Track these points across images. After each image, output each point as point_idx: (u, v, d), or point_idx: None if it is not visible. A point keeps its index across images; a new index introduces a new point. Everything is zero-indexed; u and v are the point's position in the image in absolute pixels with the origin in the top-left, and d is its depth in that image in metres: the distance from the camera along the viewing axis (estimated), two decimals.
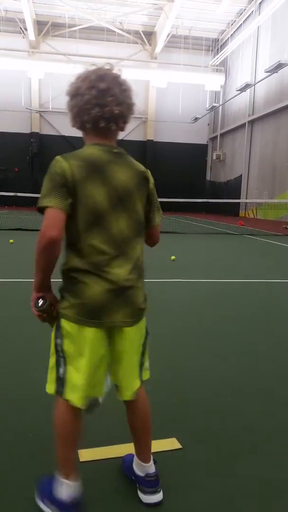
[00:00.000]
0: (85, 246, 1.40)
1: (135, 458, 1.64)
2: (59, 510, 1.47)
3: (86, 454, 1.82)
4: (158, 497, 1.56)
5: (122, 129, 1.49)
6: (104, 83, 1.39)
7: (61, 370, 1.46)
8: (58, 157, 1.40)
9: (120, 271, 1.43)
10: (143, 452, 1.61)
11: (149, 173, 1.55)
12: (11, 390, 2.40)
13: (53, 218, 1.32)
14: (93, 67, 1.45)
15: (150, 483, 1.57)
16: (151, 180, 1.55)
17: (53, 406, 1.51)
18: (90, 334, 1.42)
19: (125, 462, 1.73)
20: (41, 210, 1.35)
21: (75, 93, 1.43)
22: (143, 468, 1.60)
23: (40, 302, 1.45)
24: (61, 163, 1.38)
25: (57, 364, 1.47)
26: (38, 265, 1.39)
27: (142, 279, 1.54)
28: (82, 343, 1.42)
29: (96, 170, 1.39)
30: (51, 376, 1.49)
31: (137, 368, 1.56)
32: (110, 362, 1.51)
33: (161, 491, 1.58)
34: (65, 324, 1.44)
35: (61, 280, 1.48)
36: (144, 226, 1.56)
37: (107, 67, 1.45)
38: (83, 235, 1.40)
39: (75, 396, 1.44)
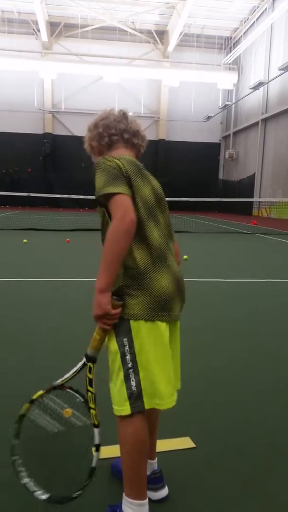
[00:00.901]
0: (150, 234, 1.43)
1: None
2: None
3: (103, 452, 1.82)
4: (165, 491, 1.59)
5: (141, 149, 1.65)
6: (122, 114, 1.65)
7: (134, 383, 1.38)
8: (103, 157, 1.46)
9: (174, 262, 1.51)
10: (152, 447, 1.63)
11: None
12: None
13: (127, 202, 1.32)
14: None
15: (157, 480, 1.60)
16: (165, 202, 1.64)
17: (121, 427, 1.41)
18: (164, 327, 1.41)
19: (116, 466, 1.71)
20: (106, 197, 1.34)
21: (98, 120, 1.61)
22: (149, 466, 1.61)
23: (116, 298, 1.36)
24: (112, 160, 1.44)
25: (127, 379, 1.38)
26: (113, 255, 1.30)
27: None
28: (159, 339, 1.39)
29: (139, 169, 1.49)
30: (121, 397, 1.39)
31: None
32: None
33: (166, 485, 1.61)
34: (134, 324, 1.38)
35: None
36: None
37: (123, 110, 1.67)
38: (147, 223, 1.43)
39: (168, 397, 1.41)
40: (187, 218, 19.72)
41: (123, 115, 1.62)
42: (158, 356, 1.39)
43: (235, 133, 28.61)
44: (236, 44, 26.73)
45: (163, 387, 1.41)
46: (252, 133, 25.75)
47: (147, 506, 1.43)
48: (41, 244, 9.03)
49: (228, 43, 28.00)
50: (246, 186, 25.86)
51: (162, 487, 1.59)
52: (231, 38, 27.63)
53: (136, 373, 1.38)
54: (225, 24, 25.86)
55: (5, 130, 28.08)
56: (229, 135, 29.40)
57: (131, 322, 1.39)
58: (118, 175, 1.38)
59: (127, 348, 1.39)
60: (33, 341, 3.19)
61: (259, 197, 24.18)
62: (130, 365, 1.38)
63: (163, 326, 1.41)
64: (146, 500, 1.43)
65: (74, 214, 20.87)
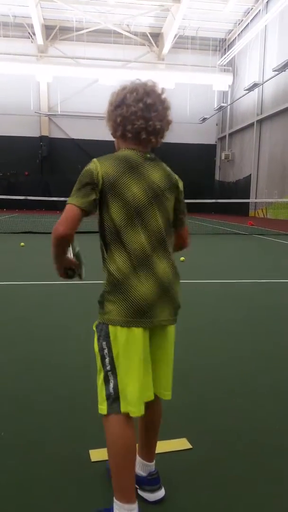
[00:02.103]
0: (129, 240, 1.41)
1: (139, 459, 1.64)
2: None
3: (97, 454, 1.84)
4: (162, 492, 1.60)
5: (158, 143, 1.54)
6: (150, 99, 1.45)
7: (111, 385, 1.42)
8: (93, 159, 1.46)
9: (162, 267, 1.47)
10: (150, 451, 1.63)
11: (180, 183, 1.59)
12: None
13: (66, 215, 1.38)
14: (139, 81, 1.50)
15: (154, 481, 1.61)
16: (181, 189, 1.59)
17: (105, 428, 1.43)
18: (140, 334, 1.41)
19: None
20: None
21: (120, 103, 1.47)
22: (146, 468, 1.62)
23: (69, 255, 1.52)
24: (93, 163, 1.43)
25: (106, 381, 1.43)
26: (52, 255, 1.46)
27: (178, 276, 1.57)
28: (133, 346, 1.40)
29: (131, 167, 1.44)
30: (102, 395, 1.44)
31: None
32: (151, 362, 1.50)
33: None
34: (112, 329, 1.41)
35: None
36: (172, 228, 1.58)
37: (150, 83, 1.50)
38: (126, 230, 1.41)
39: (133, 406, 1.40)
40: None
41: (148, 106, 1.43)
42: (131, 363, 1.40)
43: (230, 135, 28.70)
44: (230, 45, 26.84)
45: (131, 395, 1.40)
46: (247, 134, 25.84)
47: (136, 510, 1.42)
48: (39, 247, 9.02)
49: (222, 45, 28.11)
50: (242, 187, 25.94)
51: (159, 488, 1.60)
52: (225, 40, 27.75)
53: (114, 376, 1.42)
54: (220, 26, 25.96)
55: (1, 133, 28.07)
56: (224, 136, 29.49)
57: (110, 327, 1.41)
58: (83, 183, 1.39)
59: (106, 351, 1.43)
60: (32, 343, 3.20)
61: (256, 198, 24.26)
62: (108, 367, 1.42)
63: (139, 333, 1.40)
64: (135, 504, 1.43)
65: None
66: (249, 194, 25.08)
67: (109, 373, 1.42)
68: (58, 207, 26.96)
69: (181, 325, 3.72)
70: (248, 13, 23.95)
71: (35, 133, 28.65)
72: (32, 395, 2.39)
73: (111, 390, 1.42)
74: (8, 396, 2.37)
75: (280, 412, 2.26)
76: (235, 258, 8.08)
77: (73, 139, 28.45)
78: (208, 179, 30.50)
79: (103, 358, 1.43)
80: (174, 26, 23.84)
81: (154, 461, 1.65)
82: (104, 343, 1.43)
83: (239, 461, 1.83)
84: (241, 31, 25.04)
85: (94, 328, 1.48)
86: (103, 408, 1.43)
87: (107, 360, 1.42)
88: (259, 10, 22.73)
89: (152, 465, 1.64)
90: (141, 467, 1.64)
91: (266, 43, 22.98)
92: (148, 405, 1.50)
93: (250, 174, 25.12)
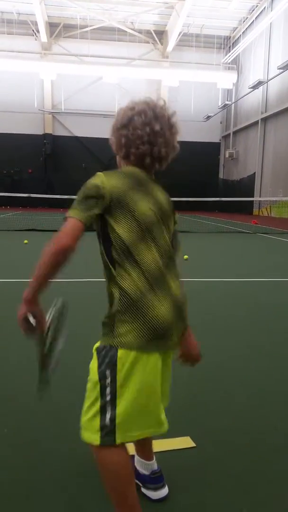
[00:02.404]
0: (143, 257, 1.31)
1: (138, 458, 1.63)
2: None
3: None
4: (165, 490, 1.59)
5: (162, 168, 1.47)
6: (158, 124, 1.38)
7: (108, 416, 1.27)
8: (98, 173, 1.37)
9: (174, 286, 1.38)
10: (148, 450, 1.62)
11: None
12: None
13: (68, 228, 1.28)
14: (150, 101, 1.42)
15: (157, 479, 1.59)
16: (177, 215, 1.52)
17: (97, 456, 1.33)
18: (157, 358, 1.30)
19: None
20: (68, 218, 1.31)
21: (127, 124, 1.38)
22: (148, 466, 1.61)
23: (31, 319, 1.35)
24: (98, 177, 1.35)
25: (102, 411, 1.28)
26: (40, 270, 1.32)
27: (186, 297, 1.46)
28: (148, 371, 1.28)
29: (139, 183, 1.38)
30: (93, 424, 1.29)
31: None
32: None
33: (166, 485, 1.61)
34: (122, 354, 1.26)
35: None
36: None
37: (161, 103, 1.43)
38: (139, 246, 1.31)
39: (137, 433, 1.33)
40: (187, 218, 19.73)
41: (155, 132, 1.37)
42: (146, 393, 1.29)
43: (235, 133, 28.60)
44: (235, 43, 26.73)
45: (138, 426, 1.32)
46: (252, 132, 25.75)
47: None
48: (42, 244, 8.94)
49: (227, 43, 27.99)
50: (247, 186, 25.87)
51: (162, 486, 1.60)
52: (230, 37, 27.64)
53: (113, 408, 1.27)
54: (224, 23, 25.85)
55: (5, 131, 28.11)
56: (229, 134, 29.40)
57: (120, 351, 1.27)
58: (87, 196, 1.31)
59: (108, 381, 1.27)
60: (31, 341, 3.19)
61: (260, 196, 24.18)
62: (108, 398, 1.28)
63: (156, 357, 1.30)
64: None
65: None
66: (253, 192, 25.00)
67: (108, 404, 1.28)
68: (62, 204, 27.11)
69: None
70: (253, 10, 23.82)
71: (38, 131, 28.67)
72: (31, 393, 2.39)
73: (107, 422, 1.27)
74: (7, 395, 2.37)
75: (283, 412, 2.25)
76: (238, 256, 8.05)
77: (76, 136, 28.44)
78: (212, 178, 30.45)
79: (103, 388, 1.28)
80: (178, 24, 23.76)
81: (155, 459, 1.64)
82: (107, 371, 1.28)
83: (242, 460, 1.83)
84: (246, 29, 24.93)
85: (94, 352, 1.33)
86: (94, 438, 1.29)
87: (108, 390, 1.27)
88: (264, 8, 22.61)
89: (153, 464, 1.62)
90: (142, 465, 1.63)
91: (271, 41, 22.86)
92: None
93: (254, 173, 25.04)
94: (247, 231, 13.66)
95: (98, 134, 26.22)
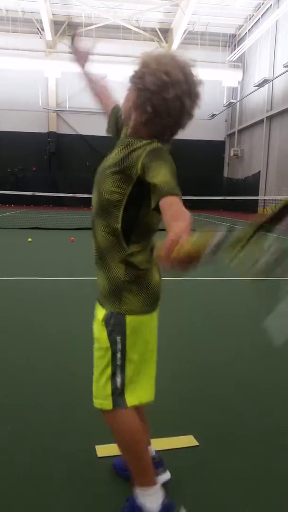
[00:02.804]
0: (152, 234, 1.39)
1: None
2: None
3: (103, 450, 1.84)
4: (168, 474, 1.65)
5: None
6: (189, 101, 1.31)
7: (119, 380, 1.37)
8: (160, 145, 1.26)
9: None
10: (147, 436, 1.66)
11: None
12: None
13: (181, 206, 1.15)
14: (182, 64, 1.29)
15: (158, 464, 1.64)
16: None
17: (111, 422, 1.41)
18: (154, 318, 1.44)
19: (117, 464, 1.71)
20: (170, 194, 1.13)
21: (157, 90, 1.24)
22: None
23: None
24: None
25: (113, 376, 1.37)
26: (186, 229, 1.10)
27: None
28: (153, 331, 1.44)
29: None
30: (105, 390, 1.38)
31: None
32: None
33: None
34: (131, 319, 1.36)
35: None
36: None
37: (193, 69, 1.35)
38: (155, 228, 1.38)
39: (148, 393, 1.43)
40: (191, 216, 19.67)
41: (184, 109, 1.29)
42: (148, 351, 1.42)
43: (240, 131, 28.49)
44: (240, 41, 26.59)
45: (146, 384, 1.44)
46: (257, 131, 25.63)
47: (158, 491, 1.44)
48: (46, 243, 9.06)
49: (232, 41, 27.86)
50: (251, 184, 25.75)
51: (164, 471, 1.64)
52: (235, 35, 27.49)
53: (123, 371, 1.37)
54: (230, 21, 25.72)
55: (9, 129, 28.16)
56: (234, 132, 29.28)
57: (128, 317, 1.35)
58: (175, 173, 1.21)
59: (119, 346, 1.35)
60: (38, 339, 3.21)
61: (264, 195, 24.07)
62: (119, 363, 1.36)
63: (155, 316, 1.44)
64: (157, 486, 1.45)
65: (78, 213, 20.90)
66: (257, 191, 24.90)
67: (118, 368, 1.37)
68: (65, 203, 27.14)
69: (186, 322, 3.71)
70: (259, 8, 23.68)
71: (43, 129, 28.70)
72: (35, 390, 2.39)
73: (118, 385, 1.37)
74: (12, 391, 2.38)
75: (287, 411, 2.24)
76: None
77: (81, 135, 28.43)
78: (216, 176, 30.34)
79: (114, 354, 1.36)
80: (183, 22, 23.66)
81: (152, 446, 1.67)
82: (118, 337, 1.35)
83: (245, 459, 1.82)
84: (252, 27, 24.78)
85: (102, 321, 1.38)
86: (106, 403, 1.38)
87: (118, 355, 1.36)
88: (270, 5, 22.45)
89: (150, 449, 1.66)
90: None
91: (276, 39, 22.71)
92: None
93: (259, 171, 24.93)
94: None
95: (103, 133, 25.28)
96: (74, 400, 2.28)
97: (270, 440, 1.98)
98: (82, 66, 1.94)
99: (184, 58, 1.31)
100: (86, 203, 26.46)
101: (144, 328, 1.40)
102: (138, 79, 1.28)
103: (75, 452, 1.84)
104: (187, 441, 1.94)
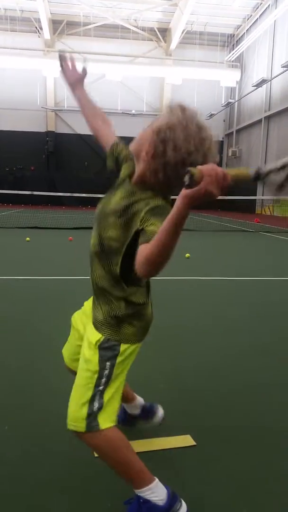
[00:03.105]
0: None
1: (126, 405, 1.91)
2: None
3: None
4: (161, 411, 1.94)
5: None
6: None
7: (97, 405, 1.36)
8: (163, 201, 1.29)
9: None
10: (127, 393, 1.88)
11: None
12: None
13: None
14: (205, 126, 1.26)
15: (150, 407, 1.90)
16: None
17: (89, 442, 1.39)
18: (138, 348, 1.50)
19: (119, 417, 1.89)
20: None
21: (194, 151, 1.20)
22: (134, 408, 1.91)
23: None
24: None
25: (92, 400, 1.37)
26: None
27: None
28: (131, 360, 1.46)
29: None
30: (81, 413, 1.36)
31: None
32: None
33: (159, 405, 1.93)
34: (125, 349, 1.40)
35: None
36: None
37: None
38: None
39: (114, 416, 1.41)
40: (189, 216, 19.67)
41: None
42: (123, 375, 1.44)
43: (238, 131, 28.53)
44: (239, 41, 26.63)
45: (114, 407, 1.42)
46: (255, 131, 25.68)
47: (158, 486, 1.44)
48: (44, 242, 9.05)
49: (231, 41, 27.90)
50: (249, 184, 25.74)
51: (157, 409, 1.90)
52: (234, 35, 27.53)
53: (102, 396, 1.37)
54: (228, 21, 25.77)
55: (8, 128, 28.14)
56: (232, 132, 29.33)
57: (123, 345, 1.39)
58: None
59: (106, 372, 1.37)
60: (36, 339, 3.20)
61: (262, 195, 24.12)
62: (101, 388, 1.37)
63: (139, 346, 1.48)
64: (155, 482, 1.44)
65: (76, 213, 20.88)
66: (256, 191, 24.93)
67: (98, 393, 1.37)
68: (64, 202, 27.13)
69: (186, 321, 3.71)
70: (257, 8, 23.72)
71: (41, 128, 28.68)
72: (34, 389, 2.39)
73: (95, 409, 1.36)
74: (10, 390, 2.37)
75: (284, 411, 2.24)
76: (241, 255, 8.04)
77: (79, 134, 28.41)
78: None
79: (99, 378, 1.37)
80: (182, 21, 23.69)
81: (136, 395, 1.93)
82: (108, 363, 1.37)
83: (242, 459, 1.82)
84: (250, 27, 24.82)
85: (95, 345, 1.38)
86: (80, 426, 1.36)
87: (103, 380, 1.37)
88: (268, 5, 22.51)
89: (138, 400, 1.91)
90: (131, 408, 1.91)
91: (275, 39, 22.76)
92: None
93: None
94: (250, 230, 13.63)
95: None
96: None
97: (268, 440, 1.98)
98: (73, 89, 1.80)
99: (208, 128, 1.26)
100: (85, 202, 26.53)
101: (133, 356, 1.45)
102: (160, 143, 1.22)
103: (72, 451, 1.84)
104: (185, 440, 1.94)
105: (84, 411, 1.36)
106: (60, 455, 1.82)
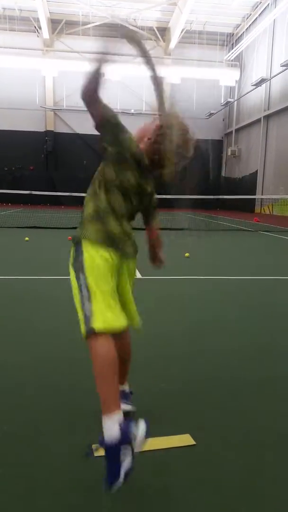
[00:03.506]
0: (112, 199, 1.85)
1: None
2: (127, 440, 1.48)
3: (100, 449, 1.83)
4: (130, 407, 2.03)
5: None
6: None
7: (88, 308, 1.62)
8: None
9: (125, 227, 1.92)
10: (123, 376, 2.01)
11: None
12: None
13: None
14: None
15: (126, 396, 2.04)
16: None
17: (89, 347, 1.57)
18: (108, 254, 1.76)
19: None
20: None
21: (188, 148, 1.91)
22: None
23: None
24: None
25: (83, 305, 1.65)
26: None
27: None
28: (100, 269, 1.72)
29: None
30: (81, 320, 1.64)
31: None
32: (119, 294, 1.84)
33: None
34: (86, 244, 1.75)
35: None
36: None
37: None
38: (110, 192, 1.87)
39: (114, 319, 1.62)
40: (189, 216, 19.70)
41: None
42: (100, 275, 1.66)
43: (237, 130, 28.51)
44: (238, 40, 26.60)
45: (108, 310, 1.62)
46: (254, 130, 25.66)
47: (121, 414, 1.53)
48: (43, 242, 9.04)
49: (230, 40, 27.86)
50: (249, 183, 25.78)
51: (128, 403, 2.00)
52: (233, 34, 27.50)
53: (89, 301, 1.61)
54: (227, 20, 25.72)
55: (6, 128, 28.07)
56: (231, 132, 29.31)
57: (83, 241, 1.72)
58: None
59: (81, 280, 1.65)
60: (35, 339, 3.20)
61: (262, 194, 24.12)
62: (84, 293, 1.63)
63: (108, 253, 1.70)
64: (120, 411, 1.53)
65: (76, 212, 20.85)
66: (255, 190, 24.93)
67: (85, 298, 1.62)
68: (63, 202, 27.07)
69: (184, 322, 3.71)
70: (257, 7, 23.69)
71: (40, 128, 28.63)
72: (33, 389, 2.39)
73: (87, 313, 1.60)
74: (9, 389, 2.37)
75: (284, 411, 2.24)
76: (239, 254, 8.04)
77: (78, 134, 28.37)
78: (214, 175, 30.35)
79: (80, 287, 1.65)
80: (181, 21, 23.66)
81: (127, 385, 2.06)
82: (80, 272, 1.66)
83: (242, 459, 1.82)
84: (249, 26, 24.79)
85: (70, 267, 1.72)
86: (82, 331, 1.60)
87: (82, 287, 1.64)
88: (268, 4, 22.46)
89: (124, 387, 2.03)
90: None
91: (274, 38, 22.73)
92: (119, 336, 1.75)
93: (257, 170, 24.96)
94: (249, 229, 13.63)
95: None
96: (72, 400, 2.28)
97: (269, 439, 1.98)
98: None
99: (191, 131, 1.97)
100: (83, 202, 26.44)
101: (100, 263, 1.67)
102: (161, 136, 1.84)
103: (72, 451, 1.84)
104: (184, 440, 1.94)
105: (81, 317, 1.63)
106: (59, 455, 1.82)
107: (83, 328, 1.60)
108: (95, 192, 1.82)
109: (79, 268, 1.68)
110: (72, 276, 1.71)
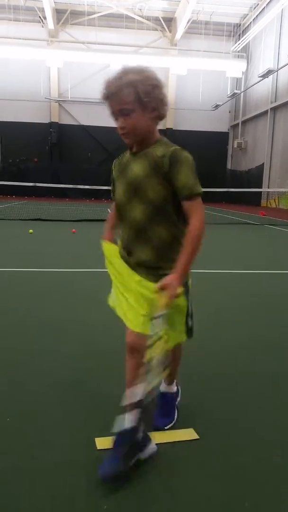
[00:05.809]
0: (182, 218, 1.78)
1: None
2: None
3: (102, 443, 1.83)
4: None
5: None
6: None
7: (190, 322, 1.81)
8: (183, 150, 1.65)
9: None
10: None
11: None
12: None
13: (202, 207, 1.68)
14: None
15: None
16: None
17: None
18: (117, 257, 1.92)
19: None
20: (193, 195, 1.65)
21: (161, 85, 1.68)
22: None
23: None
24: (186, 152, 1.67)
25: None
26: (196, 249, 1.63)
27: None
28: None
29: None
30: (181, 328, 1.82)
31: None
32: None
33: None
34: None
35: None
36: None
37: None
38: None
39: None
40: None
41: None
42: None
43: (243, 122, 28.25)
44: (245, 31, 26.25)
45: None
46: (261, 122, 25.41)
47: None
48: (47, 234, 9.04)
49: (237, 30, 27.49)
50: (255, 176, 25.59)
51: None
52: (240, 25, 27.13)
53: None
54: (234, 10, 25.35)
55: (11, 119, 28.00)
56: (237, 124, 29.05)
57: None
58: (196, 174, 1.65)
59: (189, 303, 1.81)
60: (37, 331, 3.20)
61: (268, 188, 23.94)
62: (190, 310, 1.84)
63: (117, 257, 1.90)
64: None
65: (80, 204, 20.84)
66: (261, 183, 24.74)
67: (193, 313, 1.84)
68: (67, 194, 27.07)
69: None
70: None
71: (45, 119, 28.52)
72: (35, 382, 2.39)
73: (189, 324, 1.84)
74: (12, 382, 2.37)
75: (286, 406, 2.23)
76: (245, 248, 8.00)
77: (83, 125, 28.26)
78: (219, 168, 30.14)
79: (189, 306, 1.80)
80: (187, 11, 23.34)
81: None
82: (187, 294, 1.78)
83: (245, 453, 1.81)
84: (256, 16, 24.42)
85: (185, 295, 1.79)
86: (185, 337, 1.88)
87: (190, 307, 1.81)
88: None
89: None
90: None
91: (282, 29, 22.39)
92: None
93: (263, 163, 24.76)
94: (255, 223, 13.55)
95: (104, 123, 25.98)
96: (74, 393, 2.28)
97: (272, 434, 1.97)
98: None
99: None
100: (88, 194, 26.47)
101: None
102: (147, 83, 1.67)
103: (75, 444, 1.83)
104: (188, 434, 1.93)
105: (183, 328, 1.87)
106: (62, 447, 1.81)
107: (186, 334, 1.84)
108: (174, 225, 1.86)
109: (188, 290, 1.79)
110: (184, 300, 1.77)
